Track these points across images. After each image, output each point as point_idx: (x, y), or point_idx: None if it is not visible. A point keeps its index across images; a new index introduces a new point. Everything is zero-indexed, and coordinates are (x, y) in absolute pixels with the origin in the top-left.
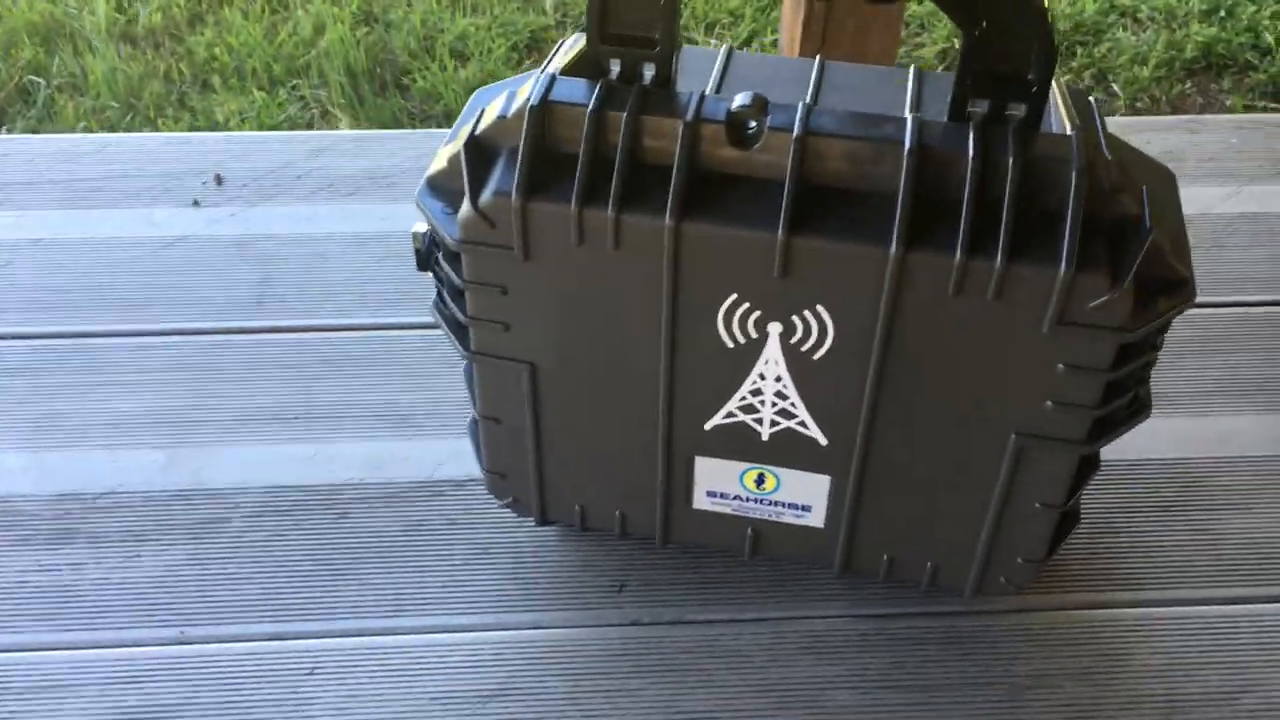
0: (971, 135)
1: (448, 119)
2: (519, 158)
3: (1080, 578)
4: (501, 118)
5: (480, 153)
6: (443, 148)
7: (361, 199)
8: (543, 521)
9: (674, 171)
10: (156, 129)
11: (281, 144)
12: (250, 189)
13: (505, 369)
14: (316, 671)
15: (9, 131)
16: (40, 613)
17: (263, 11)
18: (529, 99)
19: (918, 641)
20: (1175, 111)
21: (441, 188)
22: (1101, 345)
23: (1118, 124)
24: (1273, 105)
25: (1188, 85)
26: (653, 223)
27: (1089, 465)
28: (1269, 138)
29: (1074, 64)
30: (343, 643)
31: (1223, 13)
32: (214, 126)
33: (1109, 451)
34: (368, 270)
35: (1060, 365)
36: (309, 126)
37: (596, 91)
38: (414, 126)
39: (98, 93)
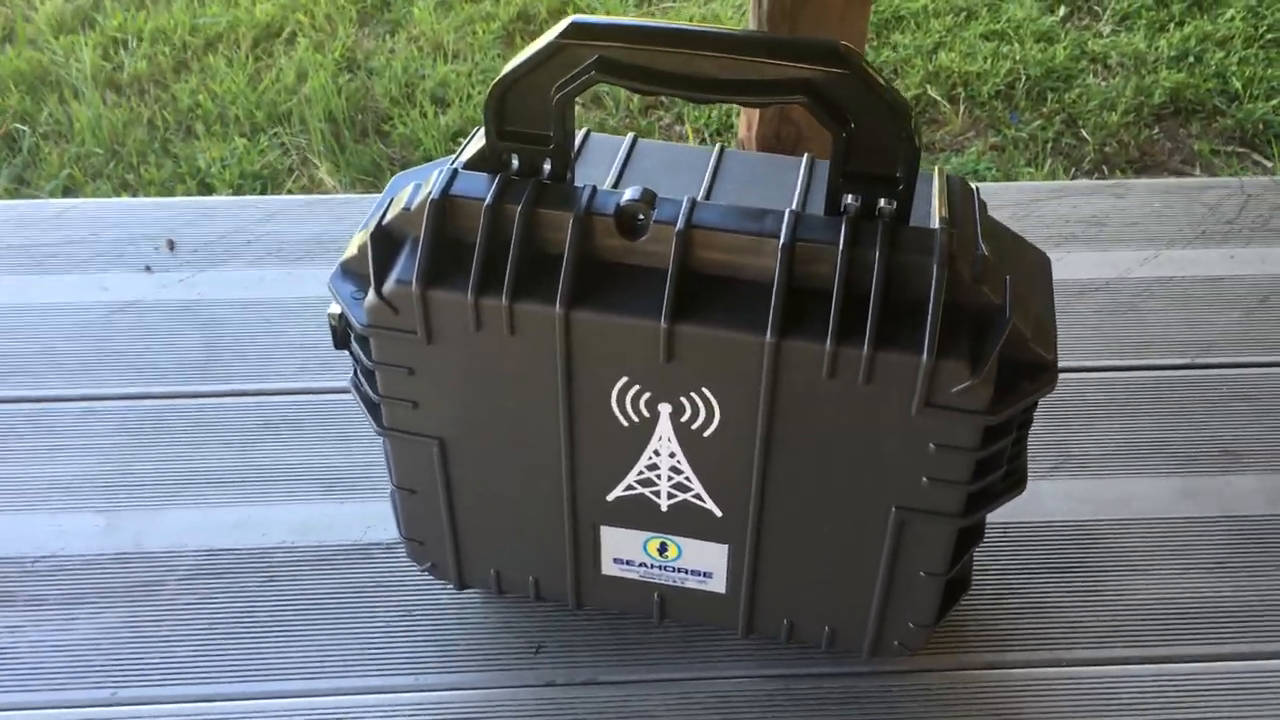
0: (843, 230)
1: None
2: (420, 248)
3: (978, 638)
4: (406, 209)
5: (387, 241)
6: (356, 234)
7: (309, 263)
8: (461, 586)
9: (564, 263)
10: (139, 175)
11: (234, 209)
12: (201, 254)
13: (416, 444)
14: None
15: None
16: None
17: (246, 59)
18: (430, 192)
19: (820, 701)
20: (1143, 155)
21: (353, 272)
22: (967, 427)
23: (1045, 187)
24: (1240, 149)
25: (1155, 130)
26: (545, 310)
27: (971, 535)
28: (1190, 202)
29: (1044, 109)
30: (265, 704)
31: (1191, 59)
32: (196, 173)
33: (1011, 512)
34: (309, 335)
35: (931, 445)
36: (289, 173)
37: (494, 186)
38: (394, 172)
39: (82, 139)
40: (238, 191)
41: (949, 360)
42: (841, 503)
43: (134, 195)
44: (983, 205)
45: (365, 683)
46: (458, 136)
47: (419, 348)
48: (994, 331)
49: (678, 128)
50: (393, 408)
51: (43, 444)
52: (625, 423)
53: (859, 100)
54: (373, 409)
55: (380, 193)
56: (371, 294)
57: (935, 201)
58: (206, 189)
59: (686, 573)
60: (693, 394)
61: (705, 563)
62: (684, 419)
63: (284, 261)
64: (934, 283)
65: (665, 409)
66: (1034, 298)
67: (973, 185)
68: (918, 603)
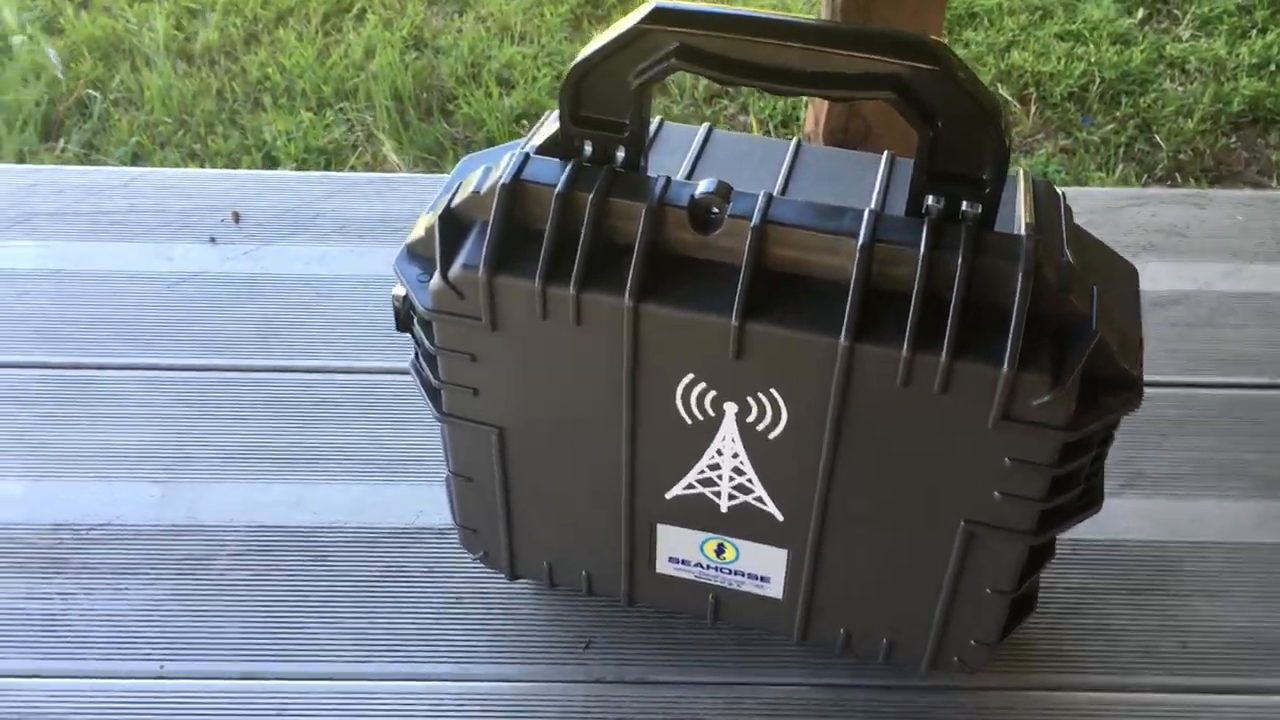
0: (925, 232)
1: (490, 145)
2: (488, 233)
3: (1043, 658)
4: (475, 193)
5: (454, 225)
6: (423, 215)
7: (373, 241)
8: (512, 577)
9: (634, 254)
10: (206, 146)
11: (300, 183)
12: (267, 228)
13: (475, 431)
14: (285, 713)
15: (65, 143)
16: (28, 641)
17: (316, 33)
18: (500, 177)
19: (873, 715)
20: (1219, 165)
21: (419, 255)
22: (1045, 443)
23: (1123, 194)
24: None
25: (1233, 139)
26: (613, 302)
27: (1042, 553)
28: (1275, 215)
29: (1117, 113)
30: (312, 685)
31: (1273, 67)
32: (261, 146)
33: (1085, 530)
34: (369, 313)
35: (1006, 459)
36: (353, 149)
37: (566, 172)
38: (457, 152)
39: (151, 108)
40: (302, 166)
41: (1030, 372)
42: (908, 514)
43: (200, 165)
44: (1068, 211)
45: (412, 669)
46: (521, 119)
47: (482, 334)
48: (1079, 344)
49: (742, 118)
50: (453, 394)
51: (102, 411)
52: (689, 420)
53: (948, 98)
54: (432, 394)
55: (444, 173)
56: (437, 278)
57: (1020, 205)
58: (271, 162)
59: (743, 576)
60: (760, 394)
61: (763, 567)
62: (750, 419)
63: (348, 239)
64: (1018, 291)
65: (731, 408)
66: (1120, 310)
67: (1059, 190)
68: (982, 620)
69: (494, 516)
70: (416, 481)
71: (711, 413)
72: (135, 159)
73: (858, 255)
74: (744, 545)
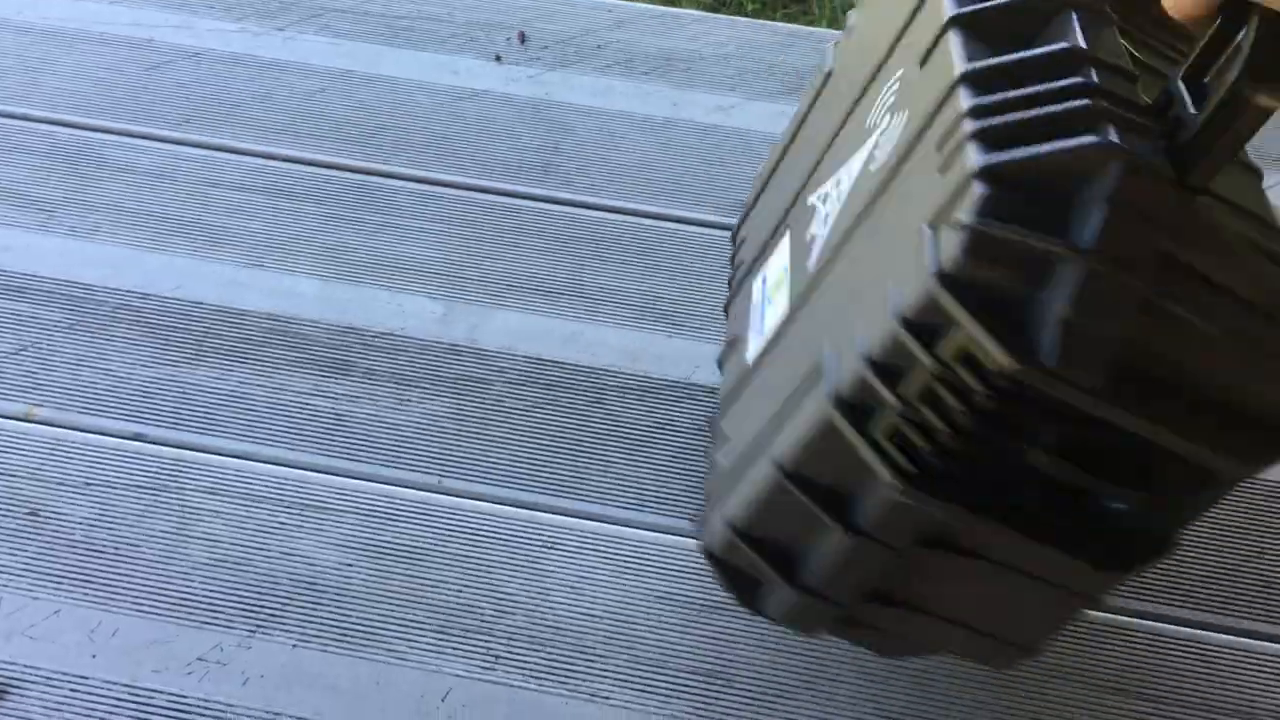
0: None
1: None
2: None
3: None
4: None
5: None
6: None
7: (657, 80)
8: None
9: None
10: None
11: (588, 10)
12: (551, 51)
13: None
14: (555, 547)
15: None
16: (316, 437)
17: None
18: None
19: None
20: None
21: None
22: None
23: None
24: None
25: None
26: None
27: None
28: None
29: None
30: (583, 524)
31: None
32: None
33: None
34: (653, 156)
35: None
36: None
37: None
38: None
39: None
40: None
41: None
42: None
43: None
44: None
45: (660, 520)
46: None
47: None
48: None
49: None
50: None
51: (385, 220)
52: None
53: None
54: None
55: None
56: None
57: None
58: None
59: None
60: None
61: None
62: None
63: (631, 73)
64: None
65: None
66: None
67: None
68: None
69: None
70: (693, 337)
71: None
72: None
73: None
74: None
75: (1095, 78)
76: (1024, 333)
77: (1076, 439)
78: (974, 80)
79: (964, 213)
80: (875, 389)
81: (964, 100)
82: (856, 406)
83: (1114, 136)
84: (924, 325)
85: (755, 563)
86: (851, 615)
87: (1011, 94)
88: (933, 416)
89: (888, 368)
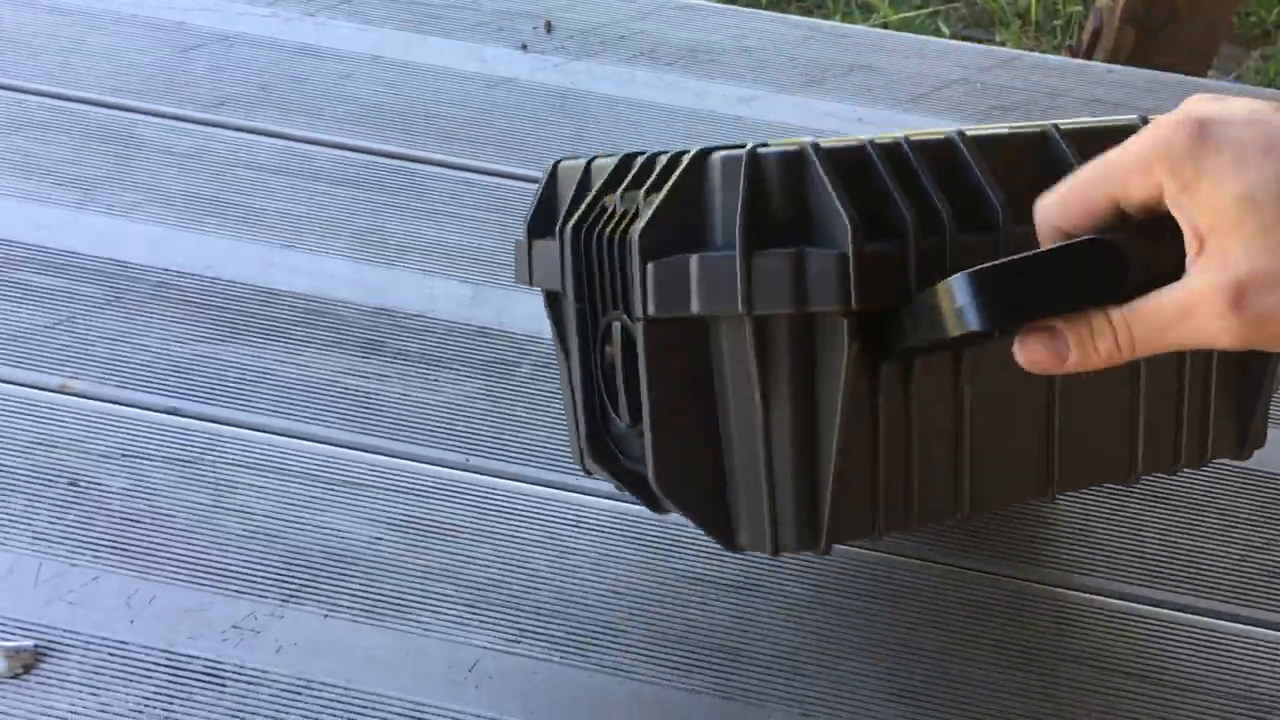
0: None
1: None
2: None
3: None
4: None
5: None
6: None
7: (680, 71)
8: None
9: None
10: None
11: (612, 0)
12: (576, 41)
13: None
14: (582, 525)
15: None
16: (348, 414)
17: None
18: None
19: None
20: None
21: None
22: None
23: None
24: None
25: None
26: None
27: None
28: None
29: None
30: (609, 504)
31: None
32: None
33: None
34: (678, 147)
35: None
36: None
37: None
38: None
39: None
40: None
41: None
42: None
43: None
44: None
45: None
46: None
47: None
48: None
49: None
50: None
51: (417, 205)
52: None
53: None
54: None
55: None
56: None
57: None
58: None
59: None
60: None
61: None
62: None
63: (655, 64)
64: None
65: None
66: None
67: None
68: None
69: None
70: None
71: None
72: None
73: None
74: None
75: None
76: None
77: None
78: None
79: None
80: None
81: None
82: None
83: None
84: None
85: None
86: None
87: None
88: None
89: None
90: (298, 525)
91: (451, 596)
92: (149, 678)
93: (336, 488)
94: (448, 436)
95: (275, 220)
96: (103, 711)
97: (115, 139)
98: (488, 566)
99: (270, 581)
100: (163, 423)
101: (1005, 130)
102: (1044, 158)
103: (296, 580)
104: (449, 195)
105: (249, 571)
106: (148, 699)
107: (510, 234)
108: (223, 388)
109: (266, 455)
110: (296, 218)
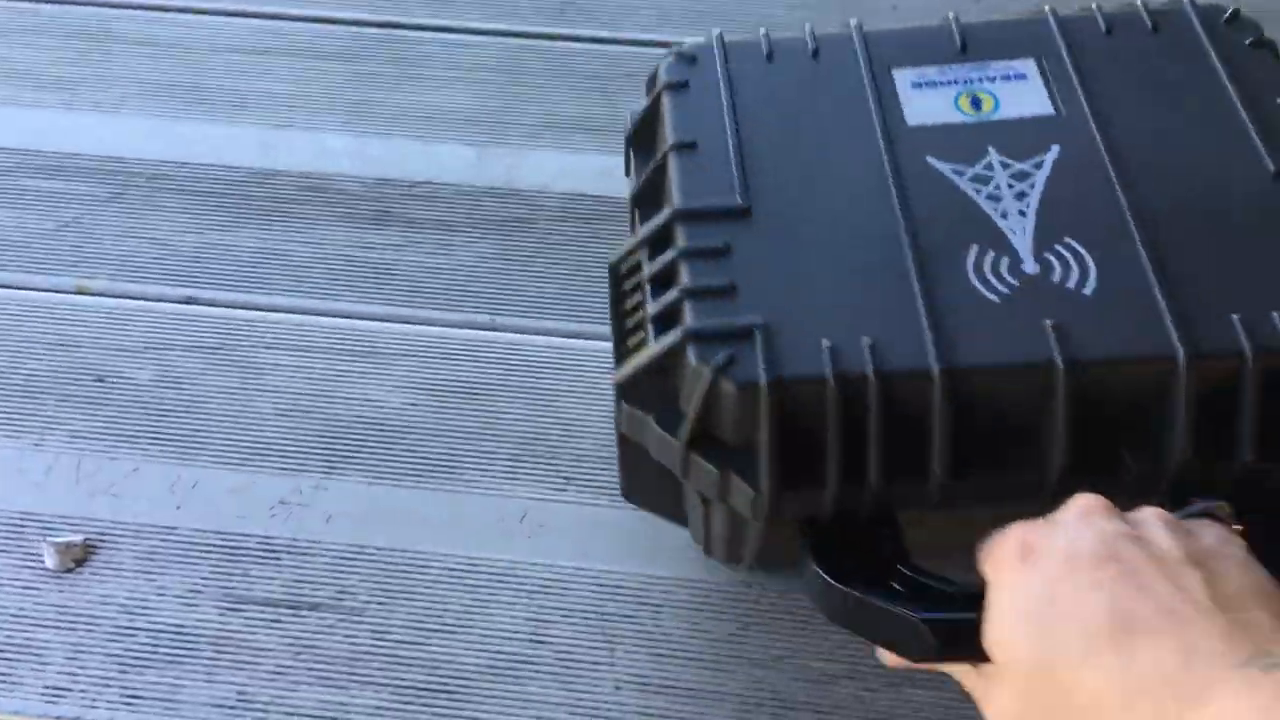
0: None
1: None
2: None
3: None
4: None
5: None
6: None
7: None
8: None
9: None
10: None
11: None
12: None
13: None
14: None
15: None
16: (364, 287)
17: None
18: None
19: None
20: None
21: None
22: None
23: None
24: None
25: None
26: None
27: None
28: None
29: None
30: None
31: None
32: None
33: None
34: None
35: None
36: None
37: None
38: None
39: None
40: None
41: None
42: None
43: None
44: None
45: None
46: None
47: None
48: None
49: None
50: None
51: (412, 72)
52: None
53: None
54: None
55: None
56: None
57: None
58: None
59: None
60: None
61: None
62: None
63: None
64: None
65: None
66: None
67: None
68: None
69: None
70: None
71: None
72: None
73: None
74: None
75: None
76: None
77: None
78: None
79: None
80: None
81: None
82: None
83: None
84: None
85: None
86: None
87: None
88: None
89: None
90: (329, 399)
91: (493, 453)
92: (204, 558)
93: (362, 359)
94: (469, 298)
95: (266, 101)
96: (161, 595)
97: (95, 36)
98: (525, 420)
99: (310, 456)
100: (181, 312)
101: None
102: None
103: (336, 452)
104: (440, 59)
105: (288, 448)
106: (205, 579)
107: (509, 93)
108: (236, 272)
109: (288, 334)
110: (287, 97)
